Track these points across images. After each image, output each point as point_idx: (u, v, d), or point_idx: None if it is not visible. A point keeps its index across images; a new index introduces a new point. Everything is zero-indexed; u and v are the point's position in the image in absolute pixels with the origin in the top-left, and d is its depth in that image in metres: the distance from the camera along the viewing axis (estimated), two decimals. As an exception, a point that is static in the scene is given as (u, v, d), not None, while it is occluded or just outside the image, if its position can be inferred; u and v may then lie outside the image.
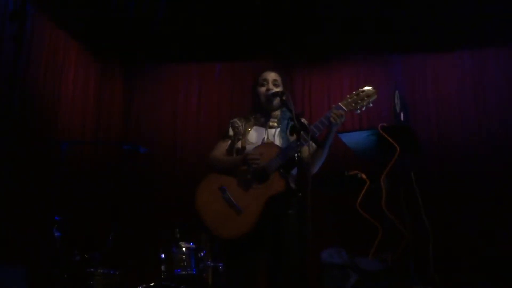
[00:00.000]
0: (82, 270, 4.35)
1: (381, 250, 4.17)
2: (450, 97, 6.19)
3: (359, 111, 2.98)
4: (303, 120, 2.94)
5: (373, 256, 4.32)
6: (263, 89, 3.11)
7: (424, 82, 6.32)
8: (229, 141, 3.13)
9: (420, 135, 5.66)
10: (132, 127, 6.65)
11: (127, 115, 6.68)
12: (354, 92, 2.99)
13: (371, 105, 2.98)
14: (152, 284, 4.49)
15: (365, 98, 2.95)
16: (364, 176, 3.90)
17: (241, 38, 6.27)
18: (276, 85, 3.13)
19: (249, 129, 3.11)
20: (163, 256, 4.60)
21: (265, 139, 3.07)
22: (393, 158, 3.24)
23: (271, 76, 3.16)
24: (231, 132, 3.14)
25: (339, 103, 2.96)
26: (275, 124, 3.13)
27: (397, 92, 3.66)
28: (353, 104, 2.96)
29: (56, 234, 4.03)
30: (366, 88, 2.97)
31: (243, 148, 3.04)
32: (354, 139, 3.39)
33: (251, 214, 2.83)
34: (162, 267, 4.57)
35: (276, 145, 2.98)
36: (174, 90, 6.77)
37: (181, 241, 4.62)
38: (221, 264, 4.37)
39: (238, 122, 3.16)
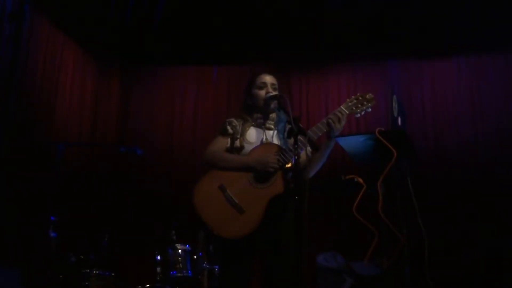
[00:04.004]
0: (77, 271, 4.34)
1: (377, 254, 4.17)
2: (447, 102, 6.22)
3: (358, 115, 3.04)
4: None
5: (368, 261, 4.32)
6: (262, 92, 3.12)
7: (420, 87, 6.35)
8: (228, 139, 3.09)
9: (416, 140, 5.69)
10: (129, 128, 6.65)
11: (124, 117, 6.67)
12: (353, 96, 3.06)
13: (370, 110, 3.04)
14: (147, 286, 4.50)
15: (365, 103, 3.02)
16: (361, 180, 3.91)
17: (239, 42, 6.28)
18: (274, 89, 3.15)
19: (247, 129, 3.11)
20: (158, 258, 4.61)
21: (264, 139, 3.07)
22: (390, 163, 3.24)
23: (270, 79, 3.17)
24: (230, 130, 3.10)
25: (341, 106, 3.00)
26: (272, 126, 3.15)
27: (394, 96, 3.66)
28: (354, 108, 3.01)
29: (52, 234, 4.02)
30: (365, 93, 3.05)
31: (242, 147, 3.03)
32: (352, 143, 3.40)
33: (255, 214, 2.80)
34: (158, 269, 4.58)
35: (277, 145, 2.99)
36: (171, 93, 6.77)
37: (177, 243, 4.62)
38: (217, 266, 4.36)
39: (235, 121, 3.14)
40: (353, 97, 3.06)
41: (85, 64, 6.20)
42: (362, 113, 3.03)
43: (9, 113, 4.69)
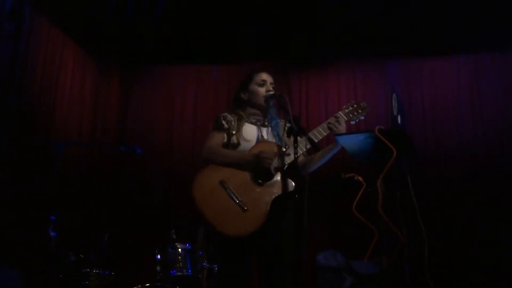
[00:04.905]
0: (77, 270, 4.34)
1: (377, 253, 4.17)
2: (446, 101, 6.22)
3: (353, 122, 3.19)
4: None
5: (368, 259, 4.32)
6: (262, 89, 3.12)
7: (420, 86, 6.35)
8: (224, 134, 3.07)
9: (416, 139, 5.69)
10: (128, 128, 6.64)
11: (124, 116, 6.67)
12: (349, 103, 3.19)
13: (363, 117, 3.20)
14: (147, 285, 4.50)
15: (359, 111, 3.16)
16: (360, 178, 3.89)
17: (239, 42, 6.28)
18: (273, 88, 3.17)
19: (242, 125, 3.10)
20: (158, 257, 4.60)
21: (260, 137, 3.07)
22: (390, 161, 3.24)
23: (269, 78, 3.19)
24: (225, 125, 3.08)
25: (339, 112, 3.11)
26: (266, 123, 3.16)
27: (394, 95, 3.66)
28: (351, 115, 3.14)
29: (52, 234, 4.02)
30: (360, 102, 3.21)
31: (238, 143, 3.02)
32: (351, 141, 3.38)
33: (259, 212, 2.79)
34: (158, 268, 4.57)
35: (275, 143, 2.99)
36: (171, 92, 6.77)
37: (177, 242, 4.62)
38: (217, 266, 4.36)
39: (229, 116, 3.12)
40: (349, 104, 3.18)
41: (85, 64, 6.20)
42: (357, 120, 3.18)
43: (9, 113, 4.69)
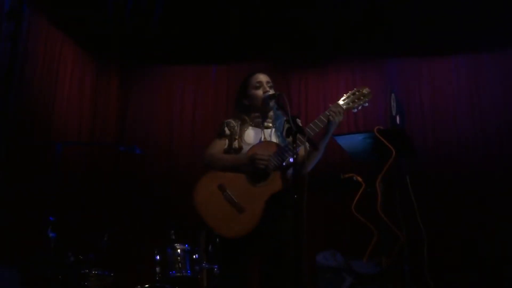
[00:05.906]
0: (76, 271, 4.34)
1: (376, 253, 4.17)
2: (446, 101, 6.22)
3: (355, 110, 3.06)
4: (298, 121, 2.98)
5: (368, 259, 4.32)
6: (259, 92, 3.11)
7: (419, 86, 6.34)
8: (226, 140, 3.10)
9: (415, 139, 5.69)
10: (128, 128, 6.64)
11: (123, 116, 6.67)
12: (350, 92, 3.08)
13: (367, 104, 3.07)
14: (146, 285, 4.50)
15: (361, 97, 3.04)
16: (359, 179, 3.91)
17: (237, 41, 6.28)
18: (270, 87, 3.15)
19: (245, 129, 3.11)
20: (158, 257, 4.61)
21: (262, 139, 3.07)
22: (389, 161, 3.25)
23: (264, 78, 3.17)
24: (227, 132, 3.10)
25: (337, 102, 3.02)
26: (270, 125, 3.15)
27: (393, 95, 3.66)
28: (350, 103, 3.03)
29: (51, 235, 4.02)
30: (362, 88, 3.07)
31: (240, 148, 3.03)
32: (350, 141, 3.40)
33: (254, 212, 2.81)
34: (157, 269, 4.58)
35: (274, 143, 2.99)
36: (170, 92, 6.76)
37: (176, 243, 4.62)
38: (216, 266, 4.36)
39: (233, 122, 3.14)
40: (350, 92, 3.08)
41: (84, 64, 6.20)
42: (359, 107, 3.06)
43: (8, 113, 4.69)
